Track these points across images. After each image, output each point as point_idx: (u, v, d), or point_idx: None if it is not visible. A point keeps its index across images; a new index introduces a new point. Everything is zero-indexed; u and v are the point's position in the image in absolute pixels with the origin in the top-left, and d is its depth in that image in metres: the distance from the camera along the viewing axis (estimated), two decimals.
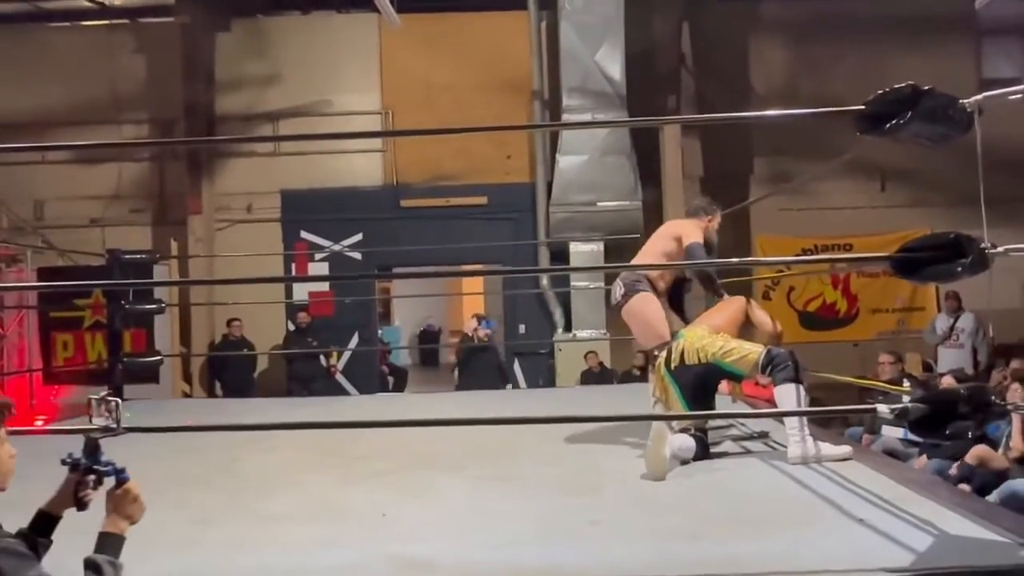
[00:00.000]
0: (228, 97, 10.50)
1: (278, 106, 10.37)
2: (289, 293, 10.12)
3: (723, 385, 4.57)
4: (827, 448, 3.87)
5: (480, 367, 9.19)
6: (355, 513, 3.24)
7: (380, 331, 12.06)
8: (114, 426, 2.12)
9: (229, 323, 9.73)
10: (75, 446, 1.99)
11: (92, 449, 1.97)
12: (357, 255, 10.17)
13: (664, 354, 4.21)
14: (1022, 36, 10.81)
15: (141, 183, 10.54)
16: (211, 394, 9.88)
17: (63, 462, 1.97)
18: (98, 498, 1.99)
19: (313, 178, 10.31)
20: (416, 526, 3.04)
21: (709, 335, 4.15)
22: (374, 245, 10.00)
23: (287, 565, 2.65)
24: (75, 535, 1.98)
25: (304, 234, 10.31)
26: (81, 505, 1.96)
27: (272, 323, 9.98)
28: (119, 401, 2.13)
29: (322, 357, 9.90)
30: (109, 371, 6.46)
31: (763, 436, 4.46)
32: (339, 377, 10.09)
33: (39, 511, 1.97)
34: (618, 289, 4.49)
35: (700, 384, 4.12)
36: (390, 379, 10.72)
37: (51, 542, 1.97)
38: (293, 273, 10.30)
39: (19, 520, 1.94)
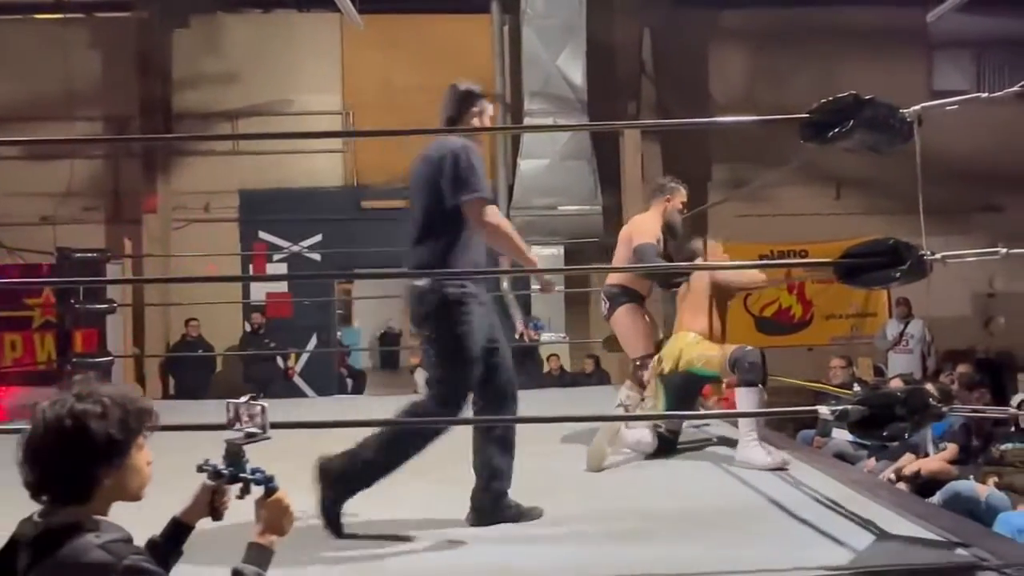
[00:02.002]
0: (186, 95, 10.36)
1: (237, 105, 10.25)
2: (247, 294, 10.00)
3: None
4: (777, 455, 3.93)
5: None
6: (311, 514, 3.22)
7: (339, 333, 11.97)
8: (260, 432, 1.97)
9: (187, 323, 9.60)
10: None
11: (237, 456, 1.86)
12: (316, 256, 10.09)
13: (655, 362, 4.28)
14: (972, 49, 11.11)
15: (94, 180, 10.34)
16: (166, 395, 9.73)
17: (200, 469, 1.86)
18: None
19: (272, 178, 10.20)
20: (371, 527, 3.02)
21: (694, 343, 4.19)
22: (334, 246, 9.93)
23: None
24: None
25: (262, 234, 10.20)
26: (217, 515, 1.87)
27: (229, 324, 9.85)
28: (265, 405, 2.01)
29: (279, 359, 9.80)
30: (58, 372, 6.33)
31: (714, 441, 4.53)
32: (297, 379, 10.01)
33: (173, 519, 1.89)
34: (604, 303, 4.57)
35: (683, 388, 4.20)
36: (349, 381, 10.65)
37: (182, 552, 1.90)
38: (251, 274, 10.18)
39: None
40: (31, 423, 1.61)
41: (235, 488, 1.84)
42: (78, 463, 1.59)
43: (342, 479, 2.94)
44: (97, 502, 1.63)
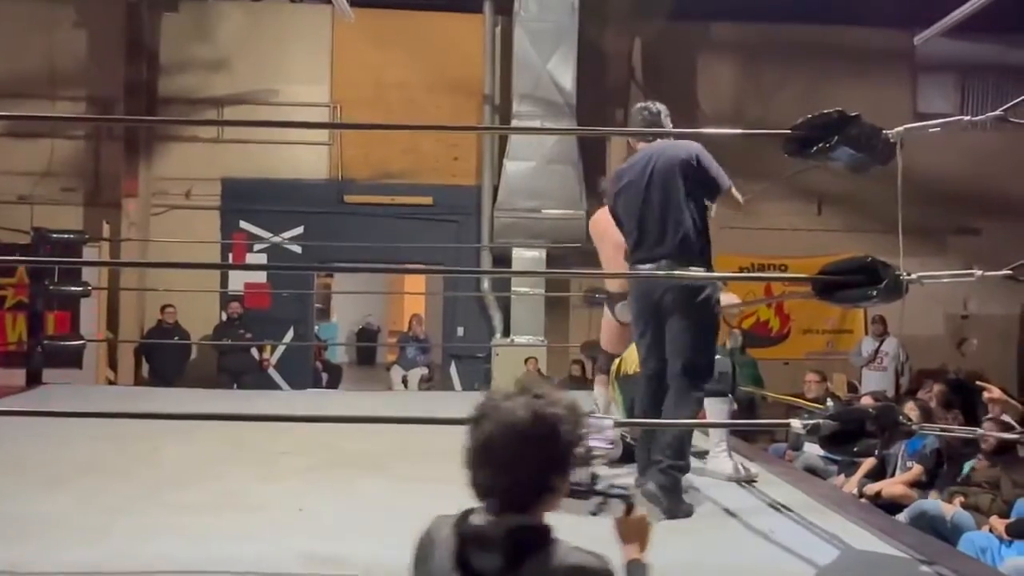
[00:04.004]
0: (172, 79, 10.25)
1: (223, 92, 10.16)
2: (224, 283, 9.92)
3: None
4: (747, 466, 3.94)
5: None
6: (271, 507, 3.20)
7: (317, 327, 11.91)
8: (606, 446, 1.81)
9: (163, 309, 9.51)
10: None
11: (592, 473, 1.77)
12: (297, 248, 10.02)
13: (616, 364, 4.26)
14: (956, 73, 11.25)
15: (75, 161, 10.21)
16: (138, 381, 9.62)
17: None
18: None
19: (256, 168, 10.12)
20: (331, 523, 3.01)
21: None
22: (315, 239, 9.86)
23: (196, 556, 2.60)
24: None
25: (243, 224, 10.12)
26: None
27: (207, 312, 9.77)
28: (614, 420, 1.86)
29: (255, 350, 9.73)
30: (28, 353, 6.24)
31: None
32: (271, 371, 9.94)
33: None
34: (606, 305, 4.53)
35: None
36: (324, 376, 10.59)
37: None
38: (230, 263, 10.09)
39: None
40: (488, 422, 1.49)
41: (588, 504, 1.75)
42: (549, 467, 1.50)
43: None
44: (543, 508, 1.52)
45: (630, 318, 3.81)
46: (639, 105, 3.75)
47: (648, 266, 3.42)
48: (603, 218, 4.19)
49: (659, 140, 3.62)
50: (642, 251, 3.47)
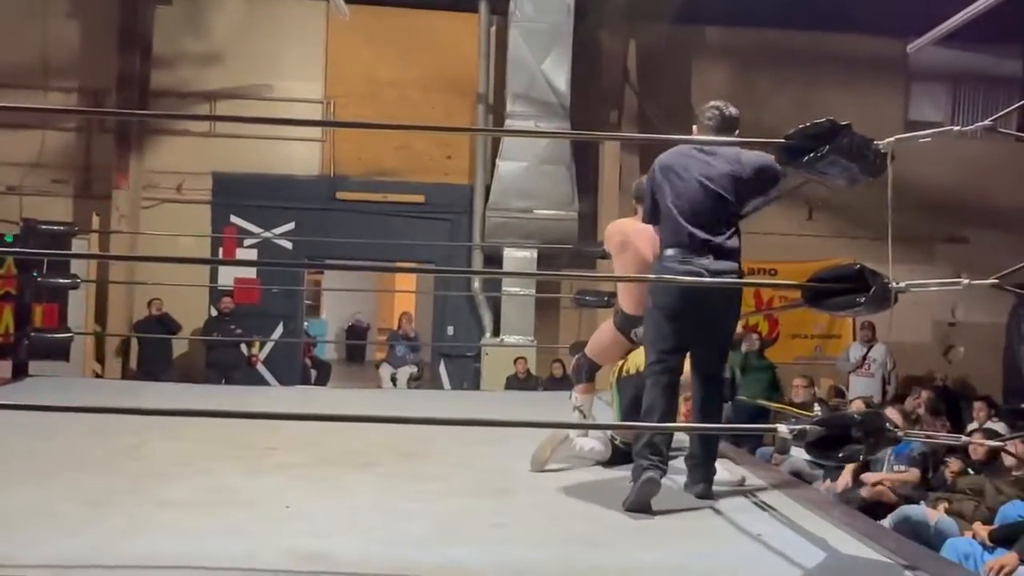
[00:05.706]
0: (164, 72, 10.22)
1: (216, 86, 10.14)
2: (214, 277, 9.89)
3: None
4: (734, 471, 3.95)
5: None
6: (257, 504, 3.19)
7: (306, 323, 11.89)
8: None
9: (150, 303, 9.48)
10: None
11: None
12: (287, 244, 10.01)
13: (620, 365, 4.25)
14: (947, 82, 11.32)
15: (65, 153, 10.16)
16: (125, 375, 9.58)
17: None
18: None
19: (248, 162, 10.11)
20: (318, 520, 3.00)
21: None
22: (306, 235, 9.86)
23: (179, 552, 2.59)
24: None
25: (234, 219, 10.11)
26: None
27: (195, 307, 9.74)
28: None
29: (243, 345, 9.71)
30: (14, 346, 6.20)
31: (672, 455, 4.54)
32: (260, 367, 9.91)
33: None
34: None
35: (638, 397, 4.14)
36: (313, 372, 10.57)
37: None
38: (220, 258, 10.07)
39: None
40: None
41: None
42: None
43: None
44: None
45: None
46: (712, 104, 3.74)
47: (703, 259, 3.33)
48: (630, 228, 4.01)
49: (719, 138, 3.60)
50: (701, 235, 3.35)
